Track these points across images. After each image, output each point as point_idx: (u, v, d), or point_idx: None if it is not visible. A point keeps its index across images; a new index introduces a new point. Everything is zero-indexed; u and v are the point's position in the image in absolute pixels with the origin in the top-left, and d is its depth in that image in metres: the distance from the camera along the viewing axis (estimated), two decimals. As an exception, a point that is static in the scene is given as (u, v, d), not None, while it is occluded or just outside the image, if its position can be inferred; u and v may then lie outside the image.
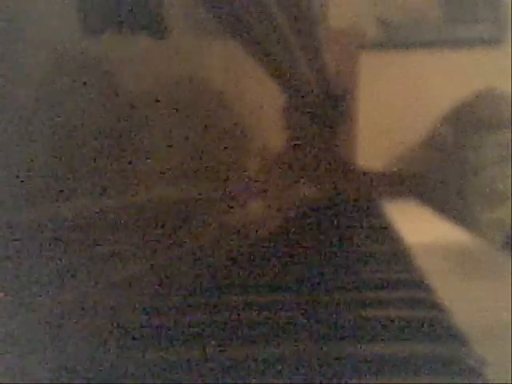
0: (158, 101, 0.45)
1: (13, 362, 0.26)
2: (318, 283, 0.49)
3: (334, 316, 0.39)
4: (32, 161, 0.29)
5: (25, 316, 0.28)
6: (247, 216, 0.74)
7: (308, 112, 1.35)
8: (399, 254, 0.64)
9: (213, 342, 0.35)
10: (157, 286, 0.43)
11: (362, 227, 0.91)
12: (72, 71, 0.33)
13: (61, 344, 0.30)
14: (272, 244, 0.72)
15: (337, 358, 0.32)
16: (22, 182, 0.28)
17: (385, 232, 0.85)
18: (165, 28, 0.46)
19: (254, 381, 0.31)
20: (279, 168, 0.99)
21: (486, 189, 2.55)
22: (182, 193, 0.51)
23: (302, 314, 0.39)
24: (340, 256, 0.63)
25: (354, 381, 0.31)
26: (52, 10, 0.31)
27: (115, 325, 0.36)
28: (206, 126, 0.57)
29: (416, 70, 2.83)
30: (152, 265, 0.43)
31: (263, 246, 0.71)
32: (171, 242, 0.47)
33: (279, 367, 0.31)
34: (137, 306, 0.39)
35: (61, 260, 0.31)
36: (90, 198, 0.34)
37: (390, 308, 0.42)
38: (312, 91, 1.30)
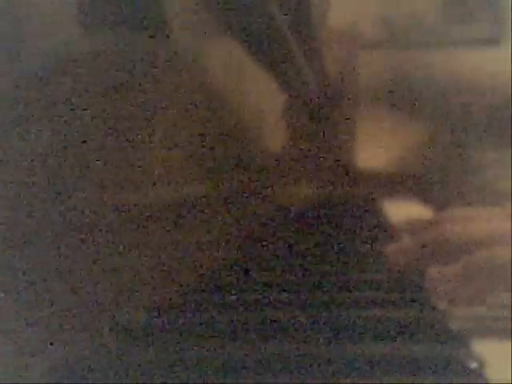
0: (158, 101, 0.45)
1: (12, 362, 0.26)
2: (319, 283, 0.49)
3: (334, 316, 0.39)
4: (32, 160, 0.29)
5: (25, 316, 0.28)
6: (247, 216, 0.74)
7: (308, 112, 1.35)
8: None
9: (213, 342, 0.35)
10: (157, 286, 0.43)
11: (362, 227, 0.91)
12: (72, 71, 0.33)
13: (60, 344, 0.30)
14: (272, 244, 0.72)
15: (337, 358, 0.32)
16: (22, 181, 0.28)
17: (385, 232, 0.85)
18: (165, 28, 0.46)
19: (254, 381, 0.31)
20: (279, 168, 0.99)
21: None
22: (182, 193, 0.50)
23: (302, 314, 0.39)
24: (340, 256, 0.63)
25: (354, 381, 0.31)
26: (52, 10, 0.31)
27: (115, 325, 0.36)
28: (205, 126, 0.57)
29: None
30: (152, 264, 0.43)
31: (263, 246, 0.71)
32: (171, 241, 0.47)
33: (279, 367, 0.31)
34: (137, 305, 0.39)
35: (61, 260, 0.31)
36: (91, 197, 0.34)
37: (390, 308, 0.42)
38: (312, 91, 1.30)
